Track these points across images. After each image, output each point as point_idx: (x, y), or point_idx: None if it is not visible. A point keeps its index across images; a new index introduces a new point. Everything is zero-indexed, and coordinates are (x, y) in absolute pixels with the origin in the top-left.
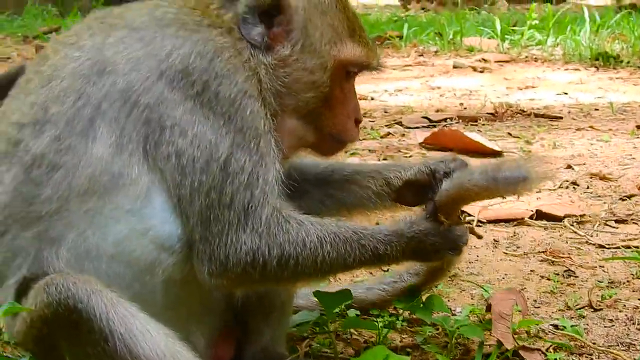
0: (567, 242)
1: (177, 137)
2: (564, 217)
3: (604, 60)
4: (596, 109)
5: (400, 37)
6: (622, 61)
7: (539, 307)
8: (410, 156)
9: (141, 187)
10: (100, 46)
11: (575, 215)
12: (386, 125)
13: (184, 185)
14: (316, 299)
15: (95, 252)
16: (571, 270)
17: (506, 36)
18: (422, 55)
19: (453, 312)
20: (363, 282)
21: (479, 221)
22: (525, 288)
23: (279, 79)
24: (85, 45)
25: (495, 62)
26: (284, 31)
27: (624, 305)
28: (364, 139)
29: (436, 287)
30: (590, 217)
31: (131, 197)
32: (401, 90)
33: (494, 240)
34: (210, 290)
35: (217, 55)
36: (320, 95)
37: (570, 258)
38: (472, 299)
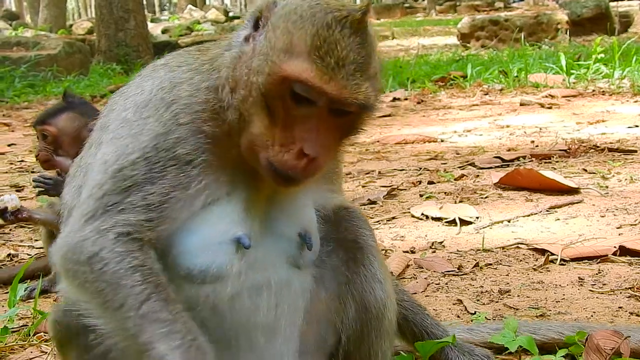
0: None
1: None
2: None
3: None
4: None
5: (464, 77)
6: None
7: None
8: (486, 197)
9: None
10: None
11: None
12: (459, 167)
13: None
14: None
15: None
16: None
17: (571, 71)
18: (487, 94)
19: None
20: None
21: (562, 259)
22: (615, 325)
23: (233, 73)
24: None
25: (563, 97)
26: (258, 33)
27: None
28: (438, 182)
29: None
30: None
31: None
32: (470, 130)
33: (579, 278)
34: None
35: (179, 84)
36: (255, 101)
37: None
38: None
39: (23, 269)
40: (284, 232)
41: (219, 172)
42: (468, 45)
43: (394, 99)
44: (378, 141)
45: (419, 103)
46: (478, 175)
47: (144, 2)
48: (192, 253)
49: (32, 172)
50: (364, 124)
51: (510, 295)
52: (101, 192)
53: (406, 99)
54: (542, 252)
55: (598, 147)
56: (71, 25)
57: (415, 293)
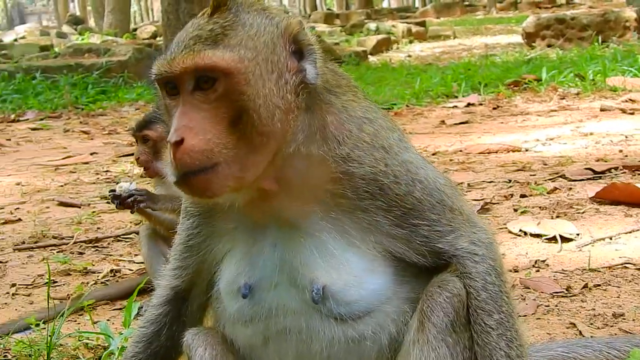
0: None
1: None
2: None
3: None
4: None
5: (538, 80)
6: None
7: None
8: (583, 212)
9: None
10: None
11: None
12: (549, 179)
13: None
14: None
15: None
16: None
17: None
18: (563, 98)
19: None
20: None
21: None
22: None
23: None
24: None
25: None
26: None
27: None
28: (530, 195)
29: None
30: None
31: None
32: (553, 138)
33: None
34: None
35: None
36: None
37: None
38: None
39: (138, 288)
40: (298, 281)
41: (220, 233)
42: (533, 44)
43: (468, 105)
44: (461, 150)
45: (494, 109)
46: (571, 188)
47: None
48: (219, 300)
49: (118, 182)
50: (243, 96)
51: (624, 318)
52: None
53: (481, 104)
54: None
55: None
56: (135, 30)
57: (526, 315)
